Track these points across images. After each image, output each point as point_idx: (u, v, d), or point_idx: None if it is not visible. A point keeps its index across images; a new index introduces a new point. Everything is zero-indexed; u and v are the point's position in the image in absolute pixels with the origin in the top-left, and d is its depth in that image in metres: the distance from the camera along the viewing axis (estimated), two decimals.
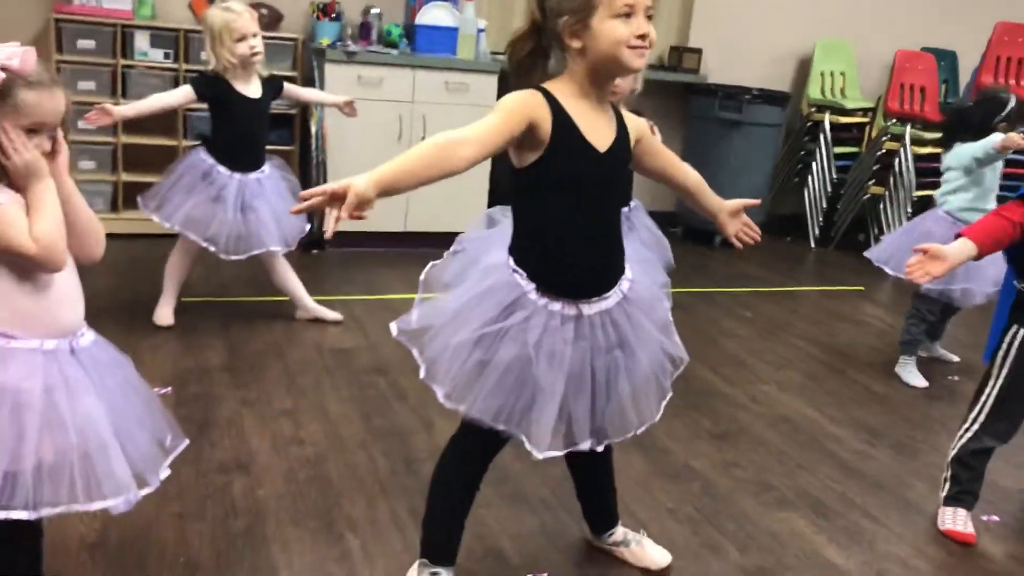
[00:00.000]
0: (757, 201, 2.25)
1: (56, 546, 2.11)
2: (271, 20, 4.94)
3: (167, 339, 3.55)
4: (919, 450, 3.23)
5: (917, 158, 5.88)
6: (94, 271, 1.84)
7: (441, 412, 2.48)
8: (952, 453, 2.68)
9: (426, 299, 1.97)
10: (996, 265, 3.55)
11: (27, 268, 1.67)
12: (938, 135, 5.49)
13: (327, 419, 3.03)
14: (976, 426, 2.61)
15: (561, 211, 1.89)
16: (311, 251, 4.88)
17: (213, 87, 3.54)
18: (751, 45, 6.23)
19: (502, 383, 1.87)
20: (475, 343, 1.87)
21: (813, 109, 6.25)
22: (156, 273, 3.77)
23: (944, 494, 2.71)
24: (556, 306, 1.89)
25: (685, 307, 4.41)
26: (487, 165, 4.69)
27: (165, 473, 1.85)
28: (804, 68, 6.43)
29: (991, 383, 2.57)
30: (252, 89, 3.61)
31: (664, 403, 2.14)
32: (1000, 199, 3.52)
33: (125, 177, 4.78)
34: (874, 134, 6.23)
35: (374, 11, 5.11)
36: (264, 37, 3.62)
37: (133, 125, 4.12)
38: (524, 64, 1.90)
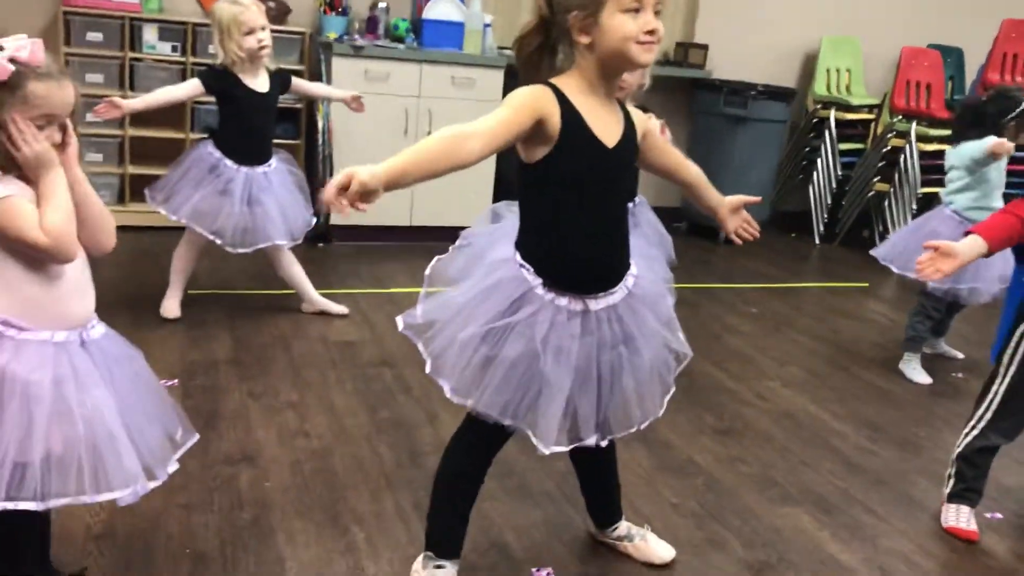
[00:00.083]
0: (758, 199, 2.25)
1: (63, 537, 2.12)
2: (279, 14, 4.94)
3: (174, 331, 3.56)
4: (923, 447, 3.24)
5: (922, 155, 5.87)
6: (101, 263, 1.85)
7: (446, 405, 2.50)
8: (957, 450, 2.68)
9: (431, 293, 1.98)
10: (1004, 261, 3.57)
11: (38, 260, 1.67)
12: (944, 132, 5.51)
13: (333, 412, 3.04)
14: (983, 424, 2.61)
15: (569, 206, 1.89)
16: (317, 245, 4.89)
17: (221, 81, 3.55)
18: (757, 41, 6.22)
19: (509, 378, 1.87)
20: (482, 338, 1.87)
21: (819, 105, 6.23)
22: (163, 266, 3.79)
23: (948, 491, 2.71)
24: (563, 301, 1.90)
25: (689, 303, 4.42)
26: (492, 160, 4.71)
27: (174, 467, 1.86)
28: (810, 64, 6.42)
29: (998, 380, 2.57)
30: (260, 83, 3.62)
31: (667, 398, 2.14)
32: (1006, 197, 3.52)
33: (132, 170, 4.80)
34: (879, 131, 6.22)
35: (381, 5, 5.12)
36: (272, 31, 3.62)
37: (140, 118, 4.12)
38: (532, 59, 1.90)
